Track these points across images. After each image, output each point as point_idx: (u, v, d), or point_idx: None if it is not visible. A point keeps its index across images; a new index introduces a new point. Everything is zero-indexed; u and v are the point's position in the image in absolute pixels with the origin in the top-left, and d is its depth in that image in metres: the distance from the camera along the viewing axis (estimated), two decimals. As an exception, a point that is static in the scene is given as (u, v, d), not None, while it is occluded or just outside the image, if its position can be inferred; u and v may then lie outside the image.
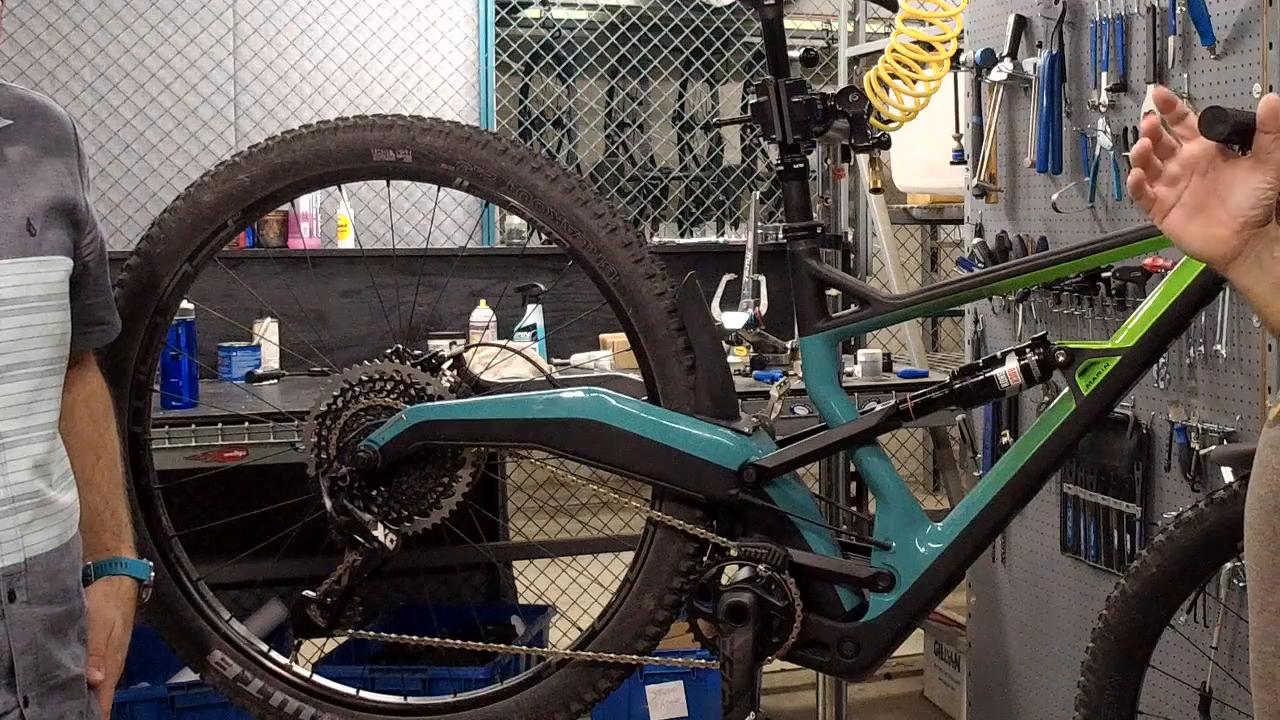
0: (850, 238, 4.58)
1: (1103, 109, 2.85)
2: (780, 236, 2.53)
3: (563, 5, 5.74)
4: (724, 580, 2.05)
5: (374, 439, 2.09)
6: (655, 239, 5.58)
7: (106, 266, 1.87)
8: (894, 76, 2.43)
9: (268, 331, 3.85)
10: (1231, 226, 1.31)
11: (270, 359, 3.84)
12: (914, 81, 2.43)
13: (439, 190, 2.27)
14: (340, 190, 3.43)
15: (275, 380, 3.77)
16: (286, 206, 3.99)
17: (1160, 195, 1.33)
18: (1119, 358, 1.92)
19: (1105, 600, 2.10)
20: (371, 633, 2.37)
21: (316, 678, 2.28)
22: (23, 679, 1.63)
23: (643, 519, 2.13)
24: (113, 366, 2.06)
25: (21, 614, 1.63)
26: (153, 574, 1.91)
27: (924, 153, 3.85)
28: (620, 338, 2.94)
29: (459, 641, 2.34)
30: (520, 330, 3.92)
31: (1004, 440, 3.18)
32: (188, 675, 2.94)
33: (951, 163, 3.36)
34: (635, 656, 2.13)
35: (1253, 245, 1.31)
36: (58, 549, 1.69)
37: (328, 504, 2.09)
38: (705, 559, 2.09)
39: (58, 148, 1.74)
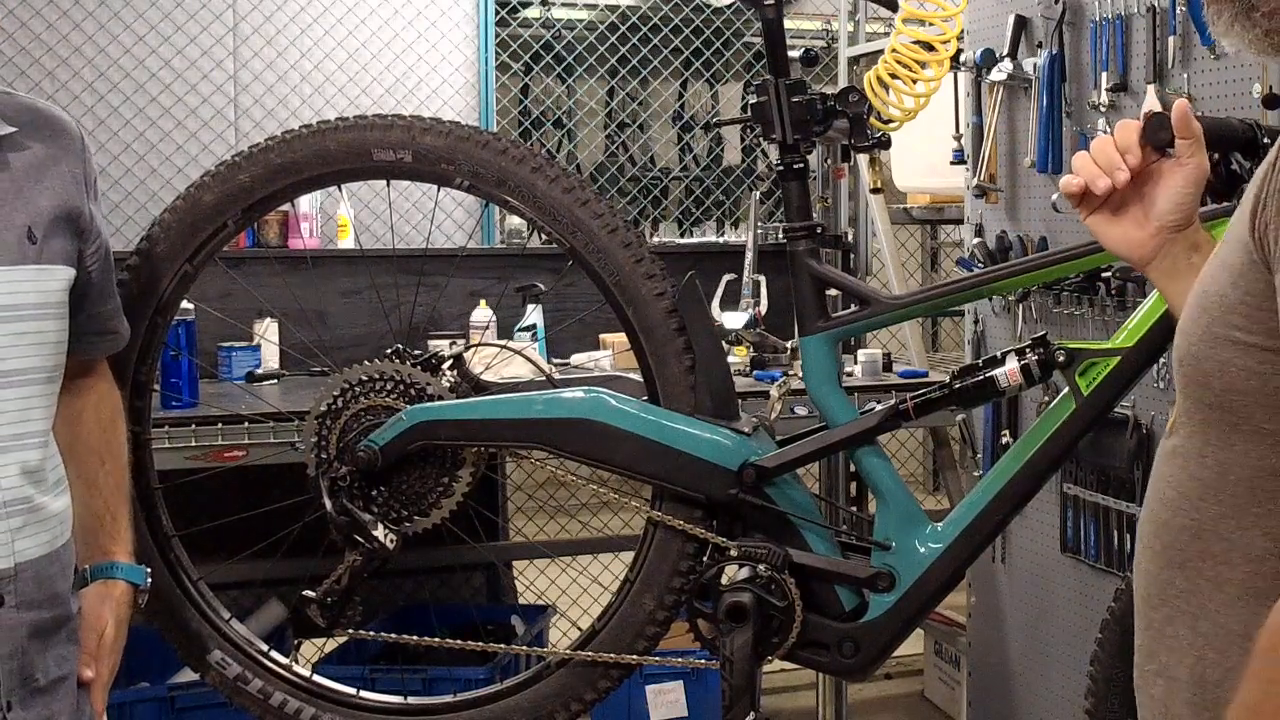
0: (850, 238, 4.58)
1: (1103, 109, 2.85)
2: (780, 236, 2.53)
3: (563, 5, 5.73)
4: (724, 580, 2.05)
5: (374, 439, 2.09)
6: (655, 239, 5.57)
7: (113, 275, 1.87)
8: (894, 76, 2.43)
9: (268, 331, 3.84)
10: (1149, 229, 1.39)
11: (270, 359, 3.83)
12: (914, 81, 2.44)
13: (439, 190, 2.26)
14: (340, 190, 3.44)
15: (275, 380, 3.77)
16: (286, 206, 3.99)
17: (1090, 194, 1.41)
18: (1119, 358, 1.92)
19: (1114, 593, 2.10)
20: (371, 633, 2.37)
21: (316, 678, 2.28)
22: (5, 683, 1.63)
23: (643, 519, 2.13)
24: (113, 367, 2.05)
25: (9, 619, 1.63)
26: (149, 580, 1.91)
27: (924, 153, 3.84)
28: (620, 338, 2.93)
29: (459, 641, 2.34)
30: (520, 330, 3.92)
31: (1004, 440, 3.18)
32: (188, 675, 2.93)
33: (951, 163, 3.36)
34: (635, 656, 2.13)
35: (1169, 249, 1.39)
36: (48, 555, 1.68)
37: (328, 504, 2.09)
38: (705, 559, 2.09)
39: (64, 156, 1.74)
